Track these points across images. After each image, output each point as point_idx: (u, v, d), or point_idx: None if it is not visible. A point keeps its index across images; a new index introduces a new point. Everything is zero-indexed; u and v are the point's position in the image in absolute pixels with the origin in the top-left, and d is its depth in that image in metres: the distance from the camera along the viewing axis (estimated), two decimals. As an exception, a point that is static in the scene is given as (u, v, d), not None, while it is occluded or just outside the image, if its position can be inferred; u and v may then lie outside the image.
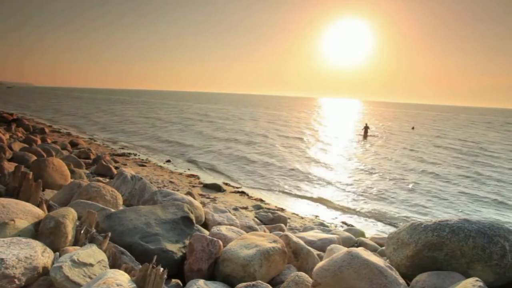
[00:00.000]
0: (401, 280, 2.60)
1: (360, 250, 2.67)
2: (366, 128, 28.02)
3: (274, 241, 3.29)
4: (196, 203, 5.47)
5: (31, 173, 4.40)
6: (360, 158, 18.66)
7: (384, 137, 28.12)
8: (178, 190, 10.47)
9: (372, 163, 17.40)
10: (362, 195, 11.82)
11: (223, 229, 3.91)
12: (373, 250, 6.06)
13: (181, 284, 3.21)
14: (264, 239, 3.35)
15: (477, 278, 2.41)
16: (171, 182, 11.53)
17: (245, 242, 3.29)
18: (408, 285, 2.97)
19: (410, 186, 13.09)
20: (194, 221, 4.05)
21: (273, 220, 8.18)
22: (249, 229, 5.87)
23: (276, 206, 10.18)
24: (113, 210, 4.07)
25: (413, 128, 40.23)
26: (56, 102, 58.70)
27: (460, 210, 10.45)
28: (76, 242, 3.34)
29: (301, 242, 3.79)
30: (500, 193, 12.55)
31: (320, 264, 2.71)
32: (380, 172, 15.20)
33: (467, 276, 2.84)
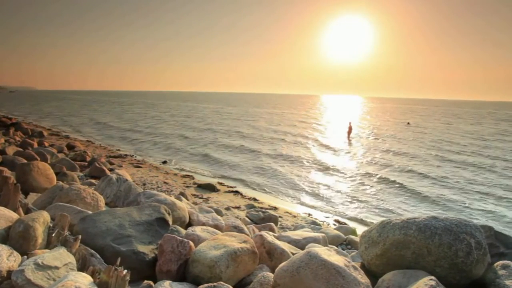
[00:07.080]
0: (363, 280, 2.58)
1: (321, 250, 2.65)
2: (350, 127, 27.33)
3: (244, 242, 3.29)
4: (180, 204, 5.47)
5: (11, 177, 4.42)
6: (352, 157, 18.57)
7: (376, 136, 27.68)
8: (171, 191, 10.48)
9: (366, 162, 17.33)
10: (358, 194, 11.78)
11: (198, 230, 3.91)
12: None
13: (153, 285, 3.22)
14: (235, 240, 3.34)
15: (431, 277, 2.39)
16: (165, 183, 11.56)
17: (215, 242, 3.29)
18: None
19: (406, 185, 13.03)
20: (170, 222, 4.06)
21: (263, 219, 8.16)
22: (235, 229, 5.86)
23: (269, 205, 10.17)
24: (90, 213, 4.09)
25: (408, 123, 39.93)
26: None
27: (461, 211, 10.28)
28: (49, 245, 3.37)
29: (276, 242, 3.78)
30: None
31: (281, 264, 2.69)
32: (374, 172, 15.13)
33: (434, 274, 2.81)
